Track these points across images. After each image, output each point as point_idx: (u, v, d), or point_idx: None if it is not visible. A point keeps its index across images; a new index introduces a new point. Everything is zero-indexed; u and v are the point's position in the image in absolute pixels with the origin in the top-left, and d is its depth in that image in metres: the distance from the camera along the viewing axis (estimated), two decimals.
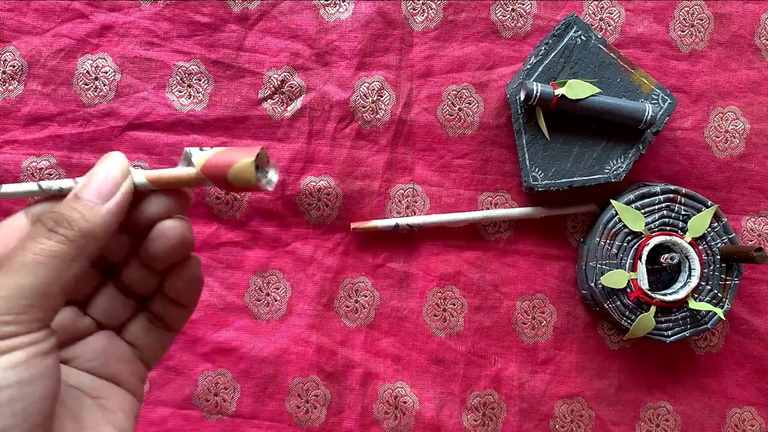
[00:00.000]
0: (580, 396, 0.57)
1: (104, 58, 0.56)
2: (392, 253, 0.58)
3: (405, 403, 0.57)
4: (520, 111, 0.54)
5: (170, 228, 0.30)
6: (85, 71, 0.56)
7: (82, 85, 0.56)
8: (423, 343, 0.58)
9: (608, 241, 0.54)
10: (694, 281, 0.53)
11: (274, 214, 0.57)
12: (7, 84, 0.56)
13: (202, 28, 0.56)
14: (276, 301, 0.57)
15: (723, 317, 0.53)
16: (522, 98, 0.53)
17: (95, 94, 0.56)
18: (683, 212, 0.54)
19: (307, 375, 0.57)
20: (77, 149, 0.56)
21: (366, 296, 0.58)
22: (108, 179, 0.28)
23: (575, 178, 0.54)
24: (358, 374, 0.57)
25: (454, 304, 0.57)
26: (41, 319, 0.26)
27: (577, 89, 0.52)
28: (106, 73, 0.56)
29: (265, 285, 0.57)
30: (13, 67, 0.55)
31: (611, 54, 0.53)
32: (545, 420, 0.57)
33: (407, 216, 0.57)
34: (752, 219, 0.58)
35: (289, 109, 0.57)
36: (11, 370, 0.24)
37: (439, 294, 0.57)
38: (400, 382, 0.57)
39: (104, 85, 0.56)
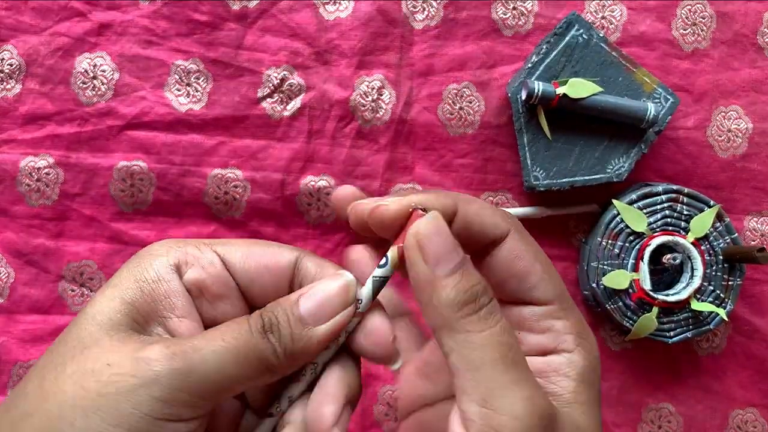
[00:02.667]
0: None
1: (102, 57, 0.56)
2: None
3: None
4: (521, 110, 0.54)
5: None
6: (83, 70, 0.56)
7: (80, 84, 0.56)
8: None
9: (610, 242, 0.54)
10: (697, 282, 0.53)
11: (273, 214, 0.57)
12: (4, 83, 0.55)
13: (201, 26, 0.56)
14: None
15: (725, 318, 0.53)
16: (523, 97, 0.53)
17: (93, 93, 0.56)
18: (685, 212, 0.54)
19: None
20: (75, 149, 0.56)
21: None
22: (330, 302, 0.27)
23: (577, 178, 0.54)
24: None
25: None
26: (208, 408, 0.25)
27: (579, 88, 0.52)
28: (104, 72, 0.56)
29: None
30: (11, 65, 0.55)
31: (613, 53, 0.53)
32: None
33: None
34: (755, 219, 0.58)
35: (288, 108, 0.57)
36: None
37: None
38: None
39: (102, 84, 0.56)
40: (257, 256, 0.29)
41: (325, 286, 0.27)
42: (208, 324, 0.27)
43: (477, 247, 0.29)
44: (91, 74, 0.56)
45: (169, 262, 0.27)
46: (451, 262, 0.25)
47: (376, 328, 0.28)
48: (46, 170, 0.55)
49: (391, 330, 0.28)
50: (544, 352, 0.28)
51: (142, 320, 0.26)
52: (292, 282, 0.29)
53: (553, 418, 0.24)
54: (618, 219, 0.54)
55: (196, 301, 0.28)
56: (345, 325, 0.27)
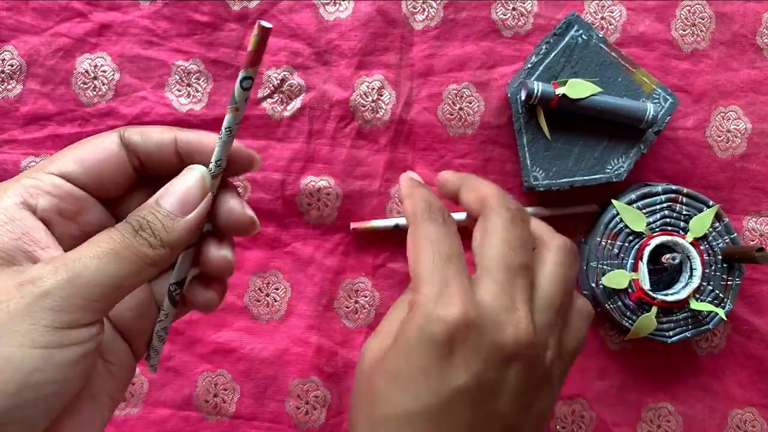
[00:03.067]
0: (581, 397, 0.57)
1: (103, 58, 0.56)
2: (392, 254, 0.57)
3: None
4: (520, 110, 0.54)
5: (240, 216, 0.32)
6: (83, 70, 0.56)
7: (81, 85, 0.56)
8: None
9: (609, 242, 0.54)
10: (696, 281, 0.53)
11: (273, 214, 0.57)
12: (5, 83, 0.55)
13: (202, 27, 0.56)
14: (276, 301, 0.57)
15: (724, 317, 0.53)
16: (523, 98, 0.53)
17: (94, 93, 0.56)
18: (684, 212, 0.54)
19: (306, 376, 0.57)
20: None
21: (366, 297, 0.57)
22: (189, 192, 0.30)
23: (576, 178, 0.54)
24: None
25: None
26: (104, 310, 0.27)
27: (578, 89, 0.52)
28: (105, 72, 0.56)
29: (264, 286, 0.57)
30: (12, 66, 0.55)
31: (612, 53, 0.53)
32: None
33: None
34: (754, 219, 0.58)
35: (288, 108, 0.57)
36: (63, 368, 0.25)
37: None
38: None
39: (103, 85, 0.56)
40: (86, 154, 0.31)
41: (184, 182, 0.30)
42: (77, 243, 0.28)
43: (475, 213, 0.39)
44: (92, 75, 0.56)
45: (14, 201, 0.28)
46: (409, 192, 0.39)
47: (233, 207, 0.32)
48: None
49: (243, 205, 0.33)
50: None
51: (8, 260, 0.27)
52: (129, 158, 0.32)
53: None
54: (617, 219, 0.54)
55: (58, 227, 0.30)
56: (208, 209, 0.31)
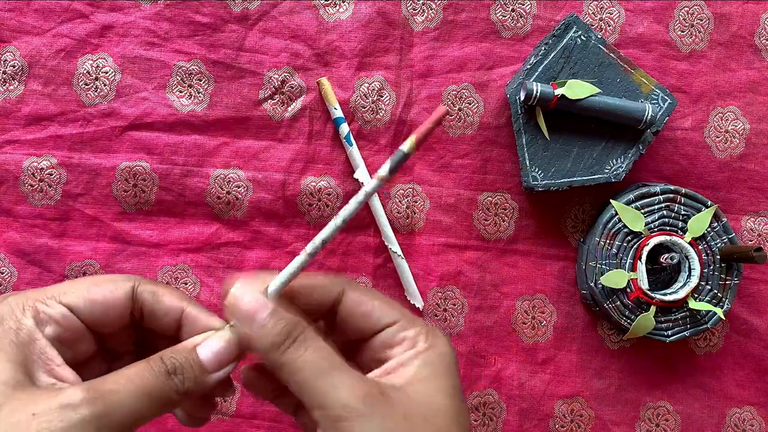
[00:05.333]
0: (580, 396, 0.57)
1: (104, 58, 0.56)
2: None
3: None
4: (520, 111, 0.54)
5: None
6: (85, 71, 0.56)
7: (83, 85, 0.56)
8: None
9: (608, 241, 0.54)
10: (694, 281, 0.53)
11: (274, 214, 0.57)
12: (7, 84, 0.56)
13: (203, 28, 0.56)
14: None
15: (723, 317, 0.53)
16: (522, 98, 0.53)
17: (96, 94, 0.56)
18: (683, 212, 0.54)
19: None
20: (78, 149, 0.56)
21: None
22: (227, 351, 0.32)
23: (575, 178, 0.54)
24: None
25: (454, 305, 0.58)
26: None
27: (577, 89, 0.52)
28: (107, 73, 0.56)
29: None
30: (14, 67, 0.55)
31: (611, 54, 0.54)
32: (545, 420, 0.57)
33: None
34: (752, 219, 0.58)
35: (289, 109, 0.57)
36: None
37: (440, 294, 0.57)
38: None
39: (104, 85, 0.56)
40: (97, 296, 0.32)
41: (221, 339, 0.32)
42: (69, 364, 0.31)
43: (323, 310, 0.35)
44: (94, 75, 0.56)
45: (32, 322, 0.30)
46: (254, 322, 0.31)
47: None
48: (49, 171, 0.56)
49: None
50: (408, 359, 0.32)
51: (31, 375, 0.29)
52: (133, 309, 0.33)
53: (379, 395, 0.29)
54: (616, 219, 0.54)
55: (57, 347, 0.31)
56: (232, 370, 0.33)
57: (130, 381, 0.28)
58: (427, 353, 0.32)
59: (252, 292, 0.32)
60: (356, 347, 0.35)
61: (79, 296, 0.32)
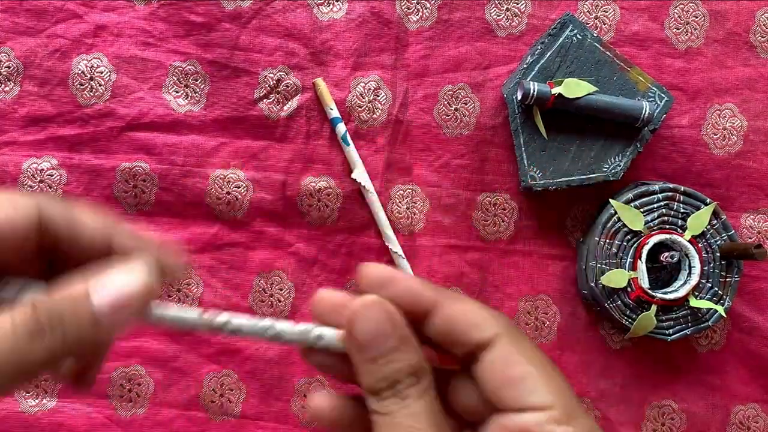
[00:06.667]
0: (586, 396, 0.57)
1: (99, 58, 0.56)
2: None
3: None
4: (517, 110, 0.54)
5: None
6: (80, 71, 0.56)
7: (78, 86, 0.56)
8: None
9: (608, 241, 0.54)
10: (695, 279, 0.53)
11: (275, 214, 0.57)
12: (3, 85, 0.56)
13: (197, 27, 0.56)
14: (280, 302, 0.57)
15: (724, 314, 0.53)
16: (519, 98, 0.53)
17: (91, 94, 0.56)
18: (682, 210, 0.54)
19: (313, 375, 0.57)
20: (78, 150, 0.56)
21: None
22: (130, 302, 0.24)
23: (573, 177, 0.54)
24: None
25: None
26: None
27: (574, 88, 0.52)
28: (102, 73, 0.56)
29: (268, 286, 0.57)
30: (9, 68, 0.56)
31: (607, 52, 0.54)
32: None
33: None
34: (751, 216, 0.58)
35: (285, 108, 0.57)
36: None
37: None
38: None
39: (100, 86, 0.56)
40: None
41: (128, 281, 0.24)
42: None
43: (463, 349, 0.27)
44: (89, 75, 0.56)
45: None
46: (376, 348, 0.25)
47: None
48: (50, 172, 0.56)
49: None
50: None
51: None
52: (40, 238, 0.26)
53: None
54: (615, 218, 0.54)
55: None
56: (128, 322, 0.25)
57: None
58: None
59: (380, 314, 0.26)
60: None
61: None
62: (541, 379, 0.26)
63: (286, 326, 0.27)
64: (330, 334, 0.27)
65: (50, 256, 0.27)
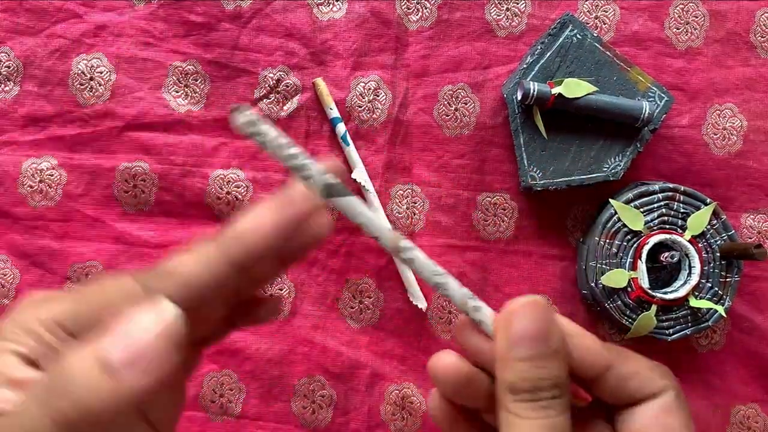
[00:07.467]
0: None
1: (99, 58, 0.56)
2: None
3: (412, 403, 0.56)
4: (517, 110, 0.54)
5: None
6: (80, 71, 0.56)
7: (78, 86, 0.56)
8: (428, 345, 0.57)
9: (608, 241, 0.54)
10: (695, 279, 0.53)
11: None
12: (3, 85, 0.56)
13: (197, 27, 0.56)
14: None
15: (724, 314, 0.53)
16: (519, 98, 0.53)
17: (91, 94, 0.56)
18: (682, 210, 0.54)
19: (313, 375, 0.57)
20: (78, 150, 0.56)
21: (371, 297, 0.57)
22: (147, 348, 0.21)
23: (573, 177, 0.54)
24: (364, 375, 0.57)
25: None
26: None
27: (574, 88, 0.52)
28: (102, 73, 0.56)
29: (268, 286, 0.57)
30: (8, 68, 0.56)
31: (607, 52, 0.54)
32: None
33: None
34: (751, 216, 0.58)
35: (285, 108, 0.57)
36: None
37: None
38: (407, 383, 0.57)
39: (100, 86, 0.56)
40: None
41: (136, 328, 0.21)
42: None
43: (626, 401, 0.28)
44: (89, 75, 0.56)
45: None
46: (530, 348, 0.26)
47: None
48: (50, 172, 0.56)
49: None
50: None
51: None
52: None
53: None
54: (615, 218, 0.54)
55: None
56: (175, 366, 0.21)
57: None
58: None
59: (540, 318, 0.26)
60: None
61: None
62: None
63: (452, 280, 0.28)
64: (488, 311, 0.28)
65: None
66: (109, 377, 0.20)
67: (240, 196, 0.56)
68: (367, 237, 0.57)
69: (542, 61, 0.54)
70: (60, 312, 0.23)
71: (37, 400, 0.20)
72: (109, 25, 0.56)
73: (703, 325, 0.54)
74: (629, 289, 0.53)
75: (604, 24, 0.58)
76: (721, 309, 0.53)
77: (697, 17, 0.58)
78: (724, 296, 0.54)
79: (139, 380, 0.20)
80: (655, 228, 0.54)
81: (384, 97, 0.57)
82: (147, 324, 0.21)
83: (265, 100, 0.57)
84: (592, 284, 0.54)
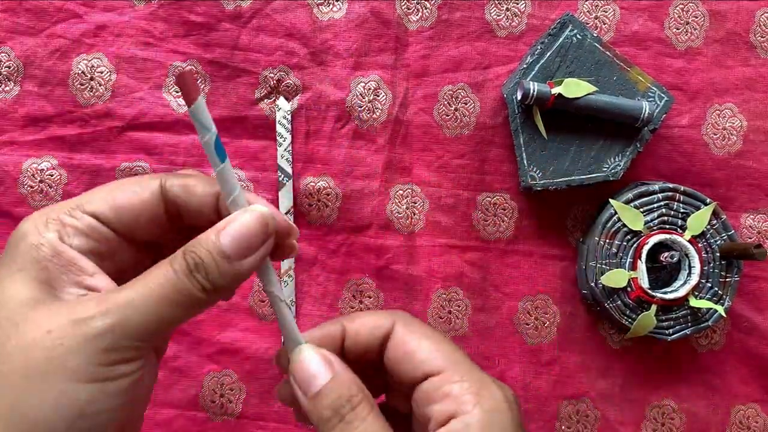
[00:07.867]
0: (586, 396, 0.57)
1: (99, 58, 0.56)
2: (395, 255, 0.57)
3: None
4: (517, 110, 0.54)
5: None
6: (80, 71, 0.56)
7: (78, 86, 0.56)
8: None
9: (608, 241, 0.54)
10: (694, 279, 0.53)
11: None
12: (3, 85, 0.56)
13: (197, 27, 0.56)
14: None
15: (724, 314, 0.53)
16: (519, 98, 0.53)
17: (91, 94, 0.56)
18: (682, 210, 0.54)
19: None
20: (78, 150, 0.56)
21: (371, 297, 0.57)
22: (251, 234, 0.28)
23: (573, 177, 0.54)
24: None
25: (458, 307, 0.57)
26: (150, 347, 0.28)
27: (574, 88, 0.52)
28: (102, 73, 0.56)
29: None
30: (9, 68, 0.56)
31: (607, 52, 0.54)
32: (551, 421, 0.57)
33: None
34: (751, 216, 0.58)
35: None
36: (114, 397, 0.26)
37: (444, 296, 0.57)
38: None
39: (100, 86, 0.56)
40: (122, 200, 0.29)
41: (243, 221, 0.28)
42: (113, 277, 0.29)
43: (374, 352, 0.32)
44: (89, 75, 0.56)
45: (55, 236, 0.28)
46: (314, 386, 0.29)
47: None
48: (50, 172, 0.56)
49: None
50: (448, 419, 0.28)
51: (55, 290, 0.27)
52: (167, 207, 0.30)
53: None
54: (615, 218, 0.54)
55: (92, 259, 0.29)
56: (266, 256, 0.29)
57: (146, 287, 0.26)
58: (480, 421, 0.28)
59: (308, 356, 0.30)
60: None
61: (104, 203, 0.29)
62: (433, 347, 0.30)
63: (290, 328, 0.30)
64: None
65: (179, 224, 0.31)
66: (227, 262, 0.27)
67: None
68: (367, 237, 0.57)
69: (542, 61, 0.54)
70: (100, 210, 0.29)
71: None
72: (109, 25, 0.56)
73: (703, 325, 0.54)
74: (629, 289, 0.53)
75: (604, 24, 0.58)
76: (720, 309, 0.53)
77: (696, 17, 0.58)
78: (724, 296, 0.54)
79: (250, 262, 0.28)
80: (655, 228, 0.54)
81: (384, 97, 0.57)
82: (247, 220, 0.28)
83: (265, 100, 0.57)
84: (592, 284, 0.54)
